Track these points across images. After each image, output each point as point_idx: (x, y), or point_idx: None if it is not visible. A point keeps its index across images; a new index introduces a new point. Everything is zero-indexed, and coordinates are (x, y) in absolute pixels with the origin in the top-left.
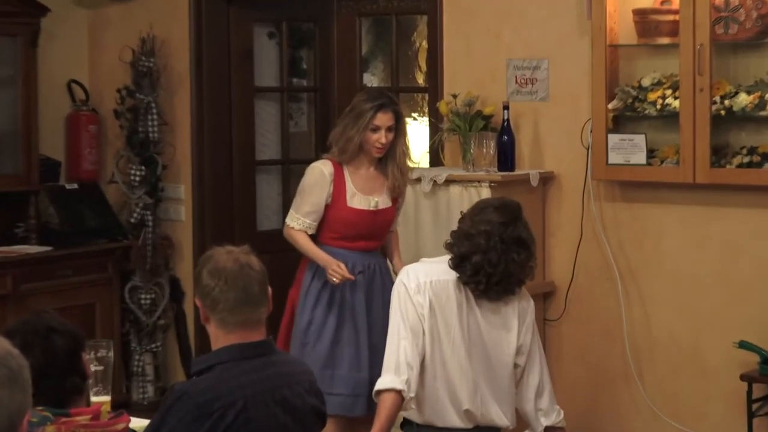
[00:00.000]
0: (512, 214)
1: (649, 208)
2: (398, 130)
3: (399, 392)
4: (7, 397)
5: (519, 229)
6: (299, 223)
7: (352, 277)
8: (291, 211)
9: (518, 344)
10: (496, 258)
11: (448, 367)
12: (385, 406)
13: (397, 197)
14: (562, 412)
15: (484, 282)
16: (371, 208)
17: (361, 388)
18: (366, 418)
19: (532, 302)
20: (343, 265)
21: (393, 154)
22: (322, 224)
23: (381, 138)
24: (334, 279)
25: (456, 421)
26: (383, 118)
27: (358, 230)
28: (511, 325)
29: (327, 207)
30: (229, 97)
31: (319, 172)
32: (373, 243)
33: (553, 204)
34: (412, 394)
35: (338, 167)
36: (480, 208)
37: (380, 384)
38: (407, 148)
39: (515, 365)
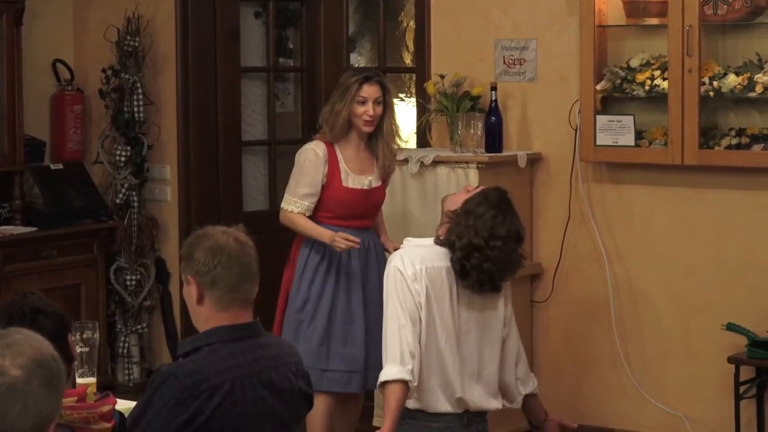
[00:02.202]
0: (511, 213)
1: (638, 189)
2: (386, 104)
3: (405, 383)
4: (45, 396)
5: (516, 225)
6: (297, 206)
7: (356, 241)
8: (286, 196)
9: (504, 316)
10: (506, 262)
11: (442, 355)
12: (394, 397)
13: (387, 176)
14: (536, 380)
15: (488, 282)
16: (365, 188)
17: (356, 364)
18: (357, 395)
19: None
20: (348, 235)
21: (381, 131)
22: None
23: (369, 110)
24: (341, 246)
25: (447, 408)
26: (369, 90)
27: (353, 210)
28: (498, 302)
29: (322, 187)
30: (215, 77)
31: (313, 153)
32: (366, 221)
33: (541, 185)
34: (416, 383)
35: (330, 147)
36: (480, 214)
37: (386, 375)
38: (395, 123)
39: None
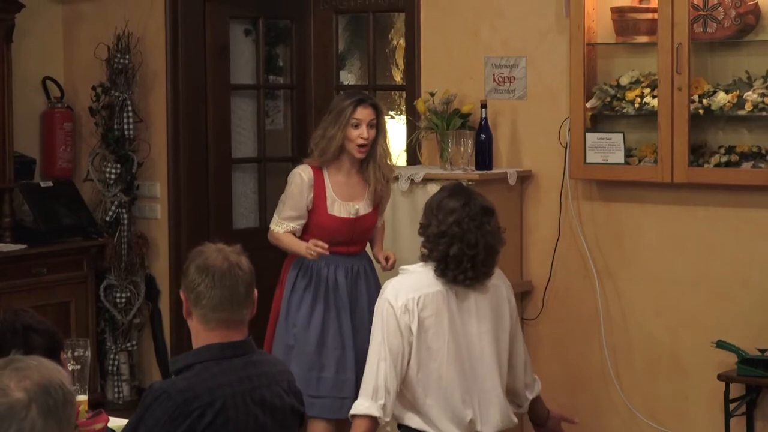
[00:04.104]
0: (465, 192)
1: (627, 207)
2: (379, 127)
3: (375, 418)
4: (41, 425)
5: (479, 200)
6: (282, 227)
7: (325, 246)
8: (274, 217)
9: (510, 325)
10: (474, 238)
11: (443, 383)
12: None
13: (380, 201)
14: (539, 382)
15: (470, 267)
16: (351, 216)
17: (347, 390)
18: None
19: (509, 282)
20: (317, 241)
21: (374, 155)
22: (303, 228)
23: (363, 133)
24: (312, 256)
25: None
26: (363, 113)
27: (338, 237)
28: (503, 312)
29: (309, 212)
30: (205, 94)
31: (299, 177)
32: (354, 248)
33: (531, 203)
34: (388, 419)
35: (318, 172)
36: (436, 204)
37: (356, 408)
38: (388, 147)
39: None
